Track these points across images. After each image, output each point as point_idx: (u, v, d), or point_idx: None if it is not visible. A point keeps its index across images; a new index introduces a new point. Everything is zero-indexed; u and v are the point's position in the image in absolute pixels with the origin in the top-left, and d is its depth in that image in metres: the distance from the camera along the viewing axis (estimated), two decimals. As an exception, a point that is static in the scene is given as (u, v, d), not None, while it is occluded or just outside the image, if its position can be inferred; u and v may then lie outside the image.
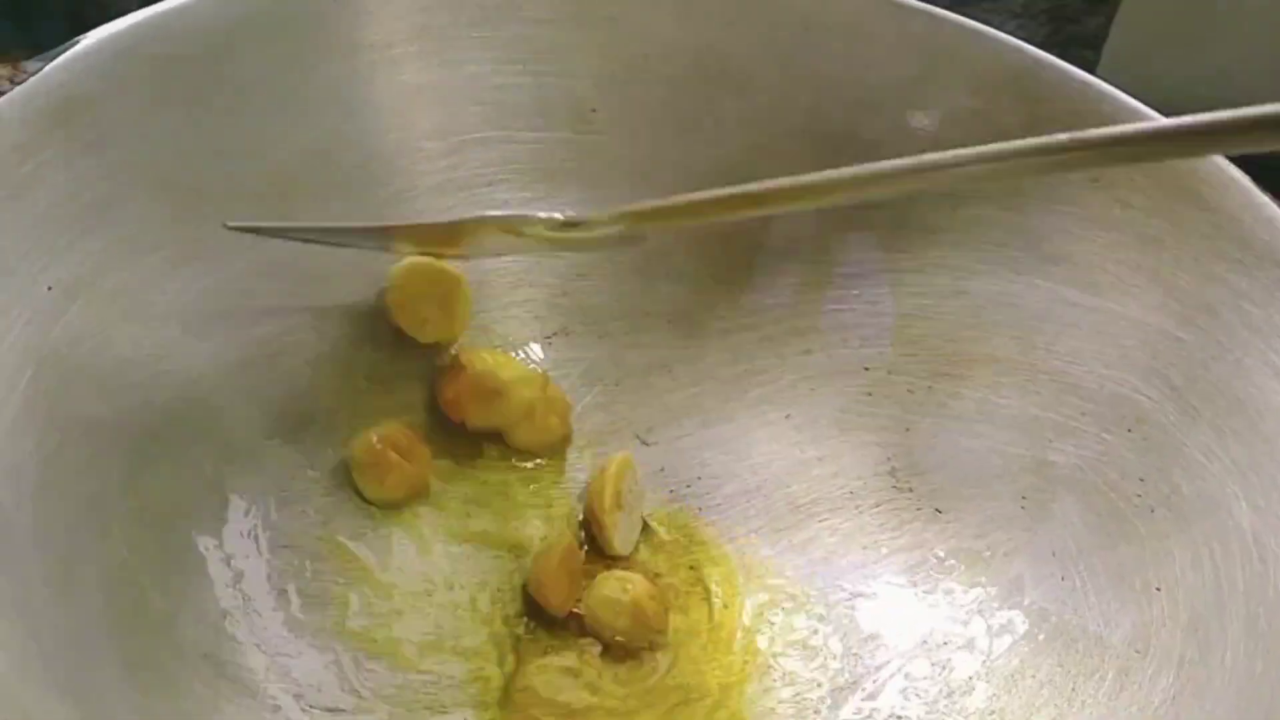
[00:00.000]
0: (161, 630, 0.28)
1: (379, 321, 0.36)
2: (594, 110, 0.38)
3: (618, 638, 0.33)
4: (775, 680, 0.33)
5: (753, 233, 0.38)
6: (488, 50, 0.37)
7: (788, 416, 0.38)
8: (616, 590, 0.33)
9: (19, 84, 0.29)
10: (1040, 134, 0.35)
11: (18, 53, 0.31)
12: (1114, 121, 0.35)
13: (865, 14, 0.37)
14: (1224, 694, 0.28)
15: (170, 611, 0.29)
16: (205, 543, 0.31)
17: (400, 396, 0.36)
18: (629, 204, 0.30)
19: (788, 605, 0.35)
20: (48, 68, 0.30)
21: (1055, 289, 0.35)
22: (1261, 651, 0.28)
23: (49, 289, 0.29)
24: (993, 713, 0.31)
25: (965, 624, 0.33)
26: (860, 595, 0.35)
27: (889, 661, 0.33)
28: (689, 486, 0.37)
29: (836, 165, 0.36)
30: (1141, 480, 0.33)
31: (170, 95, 0.32)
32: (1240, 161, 0.33)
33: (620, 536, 0.35)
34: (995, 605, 0.33)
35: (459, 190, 0.37)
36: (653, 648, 0.33)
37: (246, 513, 0.32)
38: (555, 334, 0.39)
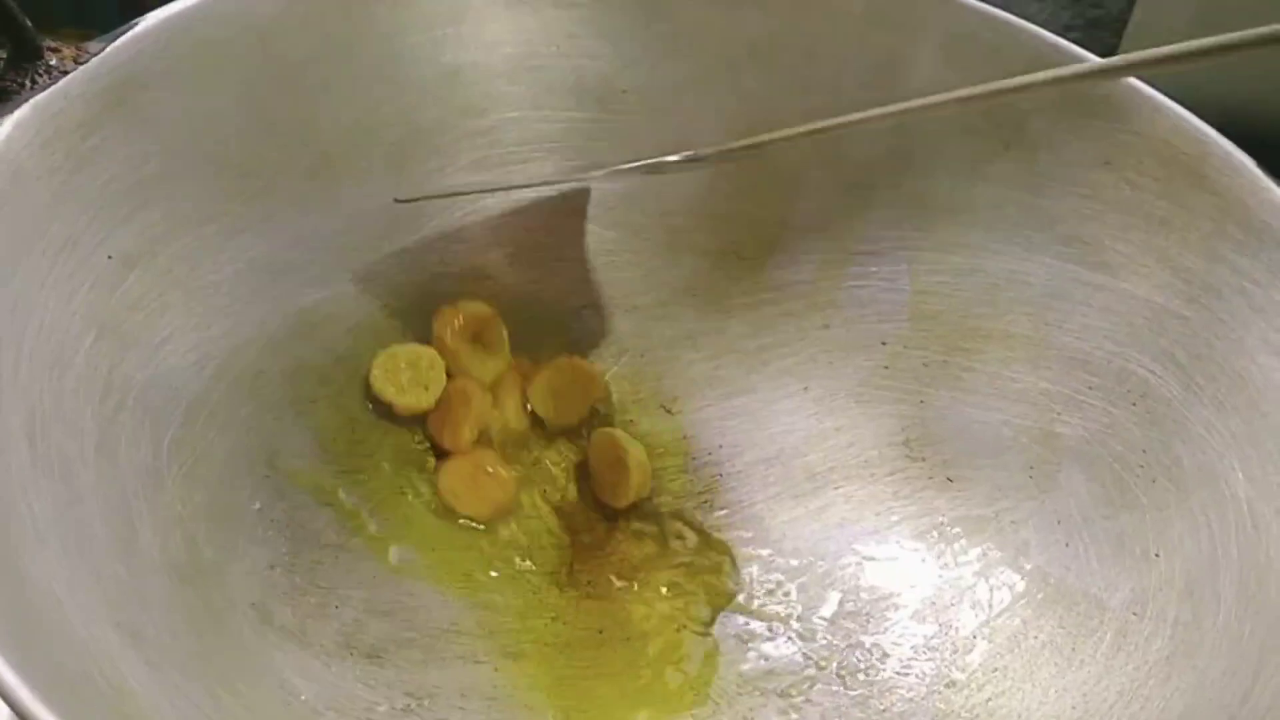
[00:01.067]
0: (213, 580, 0.30)
1: (421, 294, 0.37)
2: (624, 91, 0.39)
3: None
4: (788, 635, 0.35)
5: (775, 210, 0.40)
6: (523, 33, 0.39)
7: (806, 388, 0.39)
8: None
9: (82, 64, 0.31)
10: (1058, 119, 0.36)
11: (72, 31, 0.33)
12: (1131, 105, 0.36)
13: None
14: (1215, 654, 0.29)
15: (220, 562, 0.31)
16: (253, 499, 0.33)
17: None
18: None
19: (802, 567, 0.36)
20: (109, 49, 0.31)
21: (1067, 268, 0.37)
22: (1252, 614, 0.29)
23: (109, 258, 0.31)
24: (996, 670, 0.33)
25: (971, 586, 0.35)
26: (872, 558, 0.36)
27: (897, 621, 0.35)
28: (710, 454, 0.39)
29: (856, 142, 0.38)
30: (1144, 452, 0.34)
31: (221, 75, 0.34)
32: (1247, 146, 0.34)
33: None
34: (1000, 569, 0.35)
35: (495, 166, 0.38)
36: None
37: (292, 471, 0.34)
38: (585, 307, 0.40)
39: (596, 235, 0.40)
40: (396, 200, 0.35)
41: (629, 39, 0.39)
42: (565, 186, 0.39)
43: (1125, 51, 0.45)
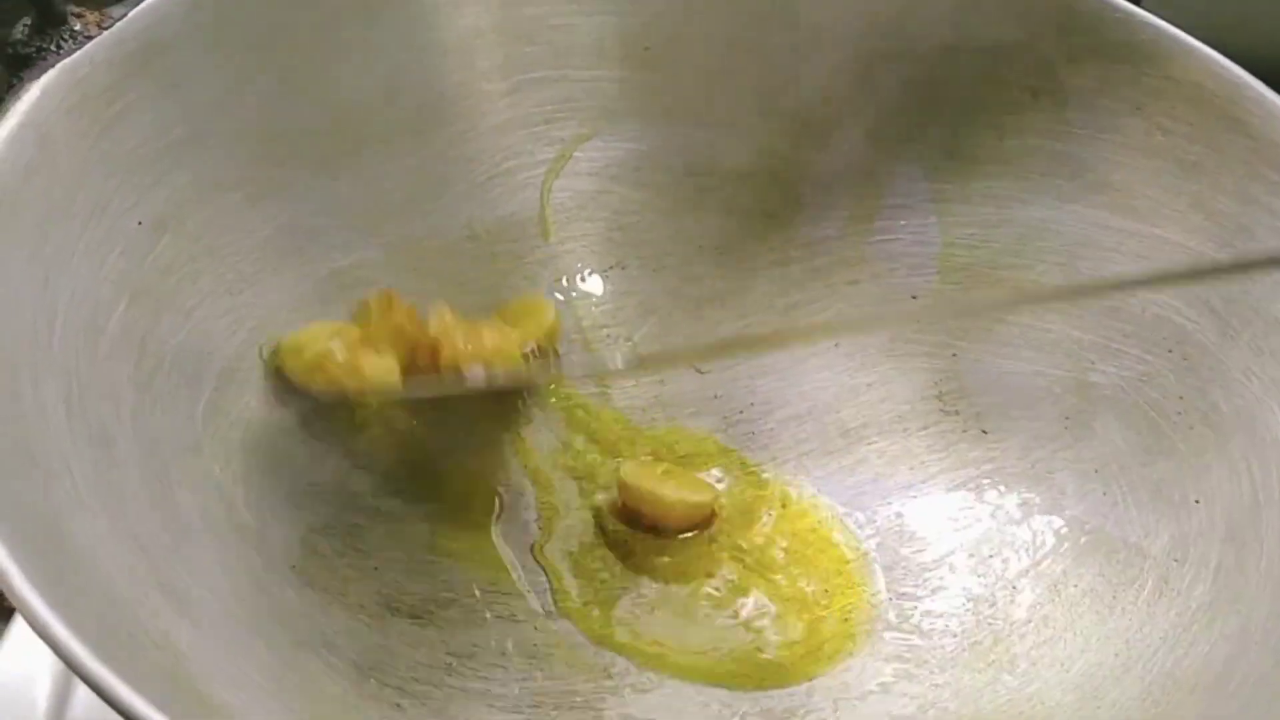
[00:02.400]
0: (251, 541, 0.30)
1: (447, 257, 0.37)
2: (647, 48, 0.39)
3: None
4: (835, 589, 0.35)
5: (802, 166, 0.39)
6: (543, -9, 0.38)
7: (837, 344, 0.39)
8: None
9: (106, 29, 0.31)
10: (1086, 65, 0.36)
11: (101, 1, 0.33)
12: (1162, 50, 0.35)
13: (910, -50, 0.38)
14: (1259, 599, 0.29)
15: (260, 526, 0.31)
16: (289, 463, 0.32)
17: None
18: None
19: (838, 523, 0.36)
20: (132, 13, 0.31)
21: (1098, 215, 0.36)
22: (1295, 557, 0.29)
23: (139, 224, 0.31)
24: (1036, 619, 0.33)
25: (1009, 538, 0.35)
26: (907, 512, 0.36)
27: (935, 573, 0.35)
28: (741, 413, 0.39)
29: (882, 95, 0.38)
30: (1181, 399, 0.34)
31: (244, 40, 0.34)
32: (1275, 84, 0.34)
33: None
34: (1038, 520, 0.35)
35: (519, 128, 0.38)
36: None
37: (325, 435, 0.34)
38: (612, 268, 0.40)
39: (623, 196, 0.40)
40: None
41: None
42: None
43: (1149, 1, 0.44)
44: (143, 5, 0.32)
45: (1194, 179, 0.35)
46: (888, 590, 0.35)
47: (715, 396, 0.39)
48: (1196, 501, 0.32)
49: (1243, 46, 0.35)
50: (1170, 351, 0.34)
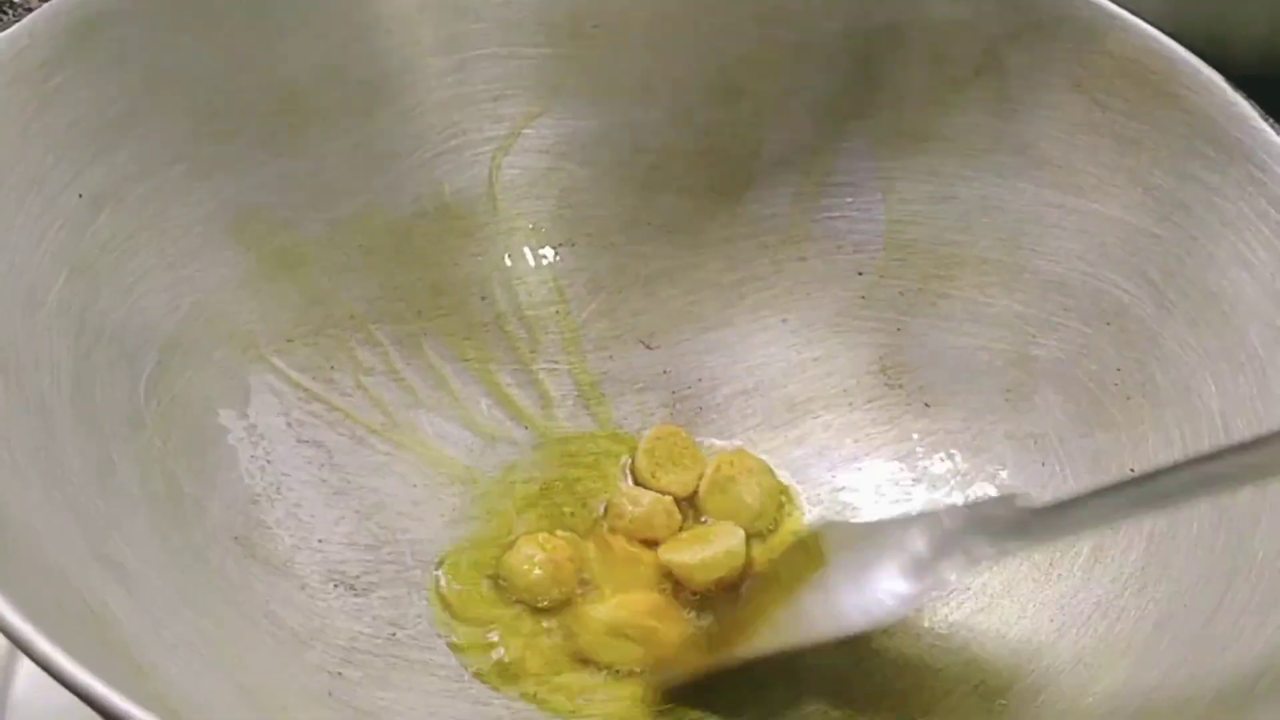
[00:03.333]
0: (193, 514, 0.30)
1: (394, 235, 0.37)
2: (595, 25, 0.39)
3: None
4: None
5: (749, 144, 0.40)
6: (490, -32, 0.38)
7: (784, 320, 0.39)
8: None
9: (45, 2, 0.31)
10: (1027, 43, 0.36)
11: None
12: (1100, 26, 0.36)
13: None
14: (1189, 564, 0.30)
15: (201, 497, 0.31)
16: (231, 435, 0.33)
17: (412, 304, 0.38)
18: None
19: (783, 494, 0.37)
20: (71, -13, 0.31)
21: (1039, 191, 0.37)
22: (1224, 524, 0.30)
23: (79, 197, 0.31)
24: (975, 587, 0.33)
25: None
26: (851, 484, 0.37)
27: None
28: (690, 388, 0.39)
29: (827, 74, 0.38)
30: (1119, 370, 0.34)
31: (186, 14, 0.34)
32: (1214, 63, 0.34)
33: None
34: (978, 489, 0.35)
35: (466, 105, 0.38)
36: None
37: (270, 409, 0.34)
38: (561, 245, 0.40)
39: (572, 173, 0.40)
40: None
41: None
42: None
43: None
44: (82, -22, 0.32)
45: (1132, 154, 0.35)
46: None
47: (664, 372, 0.39)
48: (1132, 470, 0.33)
49: (1189, 27, 0.36)
50: (1109, 324, 0.35)
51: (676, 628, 0.33)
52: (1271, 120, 0.33)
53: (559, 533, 0.34)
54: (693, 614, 0.34)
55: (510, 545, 0.34)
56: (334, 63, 0.36)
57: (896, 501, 0.36)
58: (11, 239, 0.29)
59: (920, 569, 0.29)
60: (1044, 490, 0.34)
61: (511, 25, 0.38)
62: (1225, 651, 0.27)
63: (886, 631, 0.33)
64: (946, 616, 0.33)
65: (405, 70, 0.38)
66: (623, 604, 0.33)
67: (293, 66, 0.36)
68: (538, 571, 0.33)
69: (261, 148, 0.35)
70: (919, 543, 0.29)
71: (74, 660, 0.21)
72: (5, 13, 0.31)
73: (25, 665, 0.33)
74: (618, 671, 0.32)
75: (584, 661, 0.32)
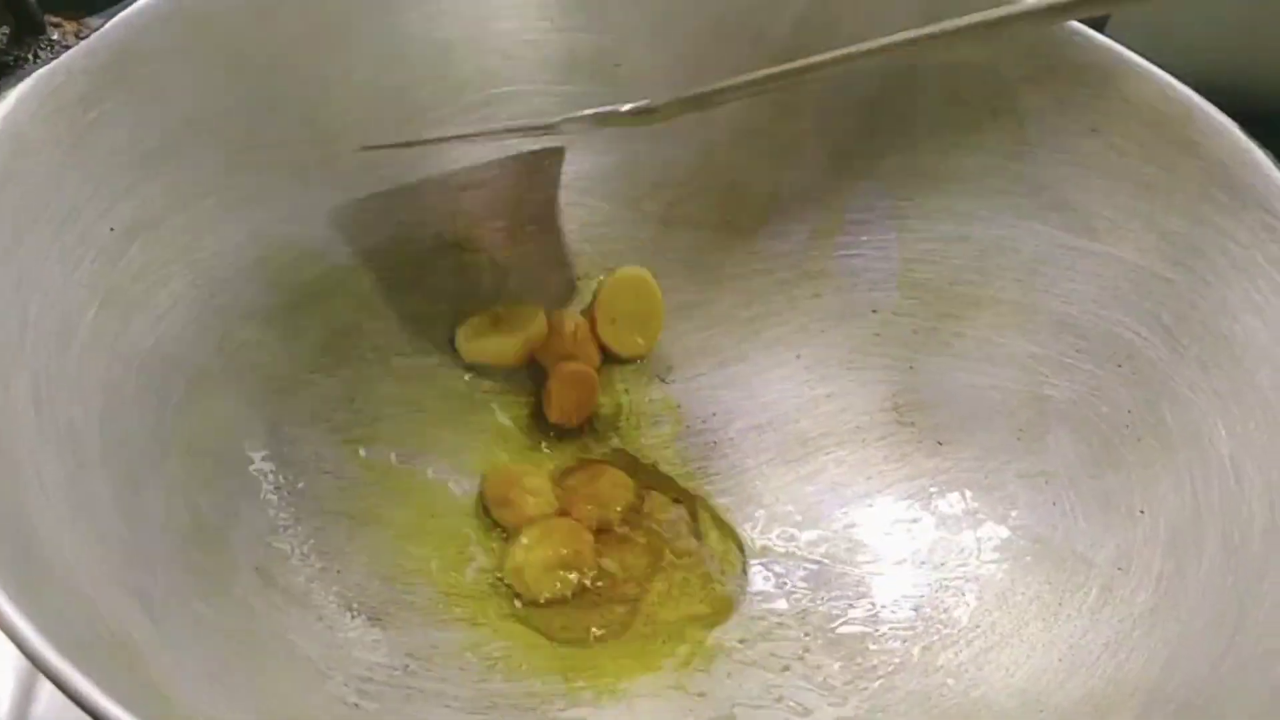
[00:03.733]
0: (216, 543, 0.31)
1: (418, 268, 0.38)
2: (618, 65, 0.40)
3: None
4: (781, 597, 0.35)
5: (766, 182, 0.40)
6: (517, 6, 0.39)
7: (798, 356, 0.40)
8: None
9: (83, 39, 0.32)
10: (1045, 86, 0.37)
11: (79, 11, 0.33)
12: (1117, 72, 0.36)
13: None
14: (1199, 605, 0.30)
15: (223, 527, 0.31)
16: (255, 466, 0.33)
17: (433, 337, 0.38)
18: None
19: (794, 529, 0.37)
20: (109, 23, 0.32)
21: (1054, 234, 0.37)
22: (1234, 566, 0.30)
23: (111, 230, 0.31)
24: (983, 625, 0.33)
25: (959, 546, 0.36)
26: (862, 520, 0.37)
27: (887, 579, 0.35)
28: (704, 422, 0.40)
29: (846, 113, 0.39)
30: (1130, 412, 0.35)
31: (219, 51, 0.34)
32: (1229, 110, 0.35)
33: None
34: (988, 528, 0.36)
35: (492, 139, 0.39)
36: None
37: (293, 441, 0.34)
38: (580, 278, 0.41)
39: (591, 208, 0.41)
40: (363, 148, 0.36)
41: (623, 13, 0.40)
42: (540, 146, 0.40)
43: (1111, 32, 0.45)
44: (119, 16, 0.32)
45: (1148, 199, 0.36)
46: (836, 599, 0.35)
47: (678, 405, 0.40)
48: (1142, 512, 0.33)
49: (1200, 72, 0.36)
50: (1120, 366, 0.35)
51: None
52: (1285, 166, 0.34)
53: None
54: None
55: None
56: (363, 99, 0.37)
57: (909, 539, 0.36)
58: (47, 270, 0.29)
59: None
60: (1054, 531, 0.34)
61: (537, 63, 0.39)
62: (1233, 694, 0.28)
63: (896, 668, 0.33)
64: (955, 655, 0.33)
65: (434, 105, 0.38)
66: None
67: (322, 102, 0.36)
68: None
69: (291, 181, 0.36)
70: None
71: (102, 690, 0.21)
72: (43, 49, 0.31)
73: (47, 687, 0.33)
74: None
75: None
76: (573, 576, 0.35)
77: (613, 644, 0.34)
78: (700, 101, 0.33)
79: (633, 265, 0.40)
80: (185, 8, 0.34)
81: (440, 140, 0.38)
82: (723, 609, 0.35)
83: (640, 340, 0.40)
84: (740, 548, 0.37)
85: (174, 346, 0.32)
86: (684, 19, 0.40)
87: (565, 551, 0.35)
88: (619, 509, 0.37)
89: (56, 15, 0.32)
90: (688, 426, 0.39)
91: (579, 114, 0.36)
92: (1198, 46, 0.43)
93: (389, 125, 0.38)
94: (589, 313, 0.40)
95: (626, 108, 0.34)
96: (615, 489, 0.37)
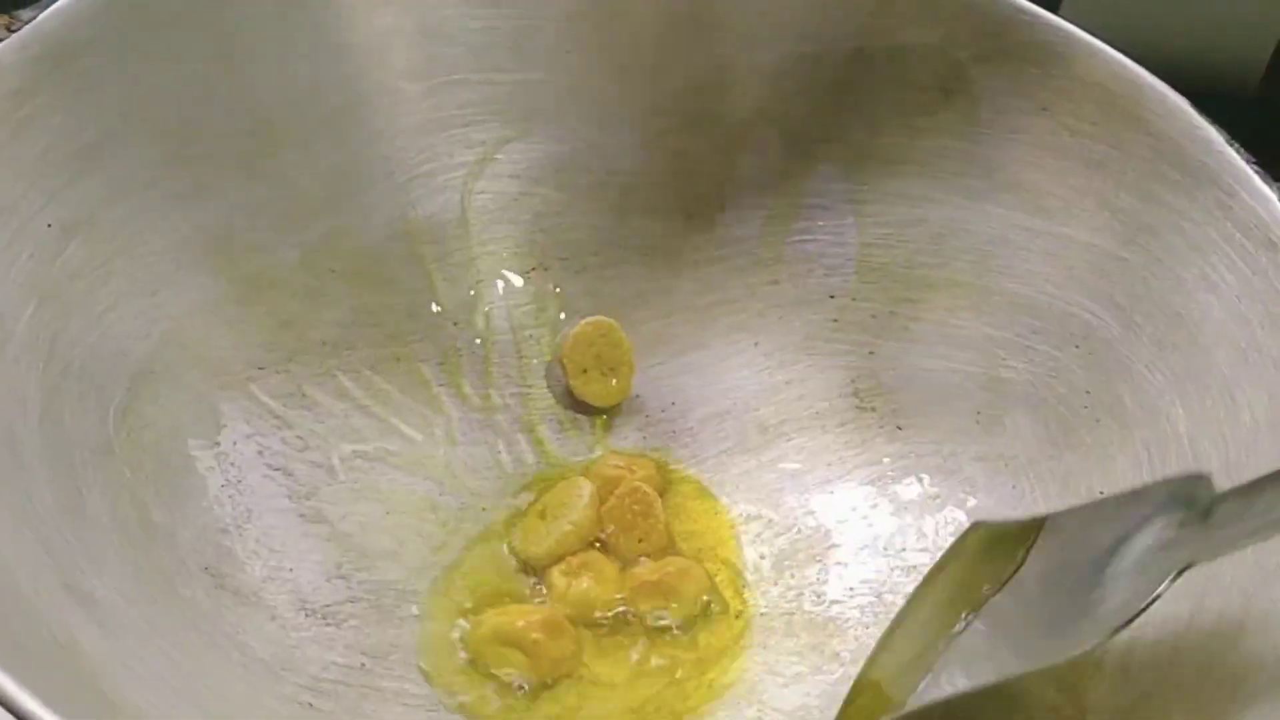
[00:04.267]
0: (164, 544, 0.30)
1: (366, 259, 0.37)
2: (568, 51, 0.39)
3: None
4: (742, 584, 0.35)
5: (721, 167, 0.40)
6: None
7: (757, 343, 0.40)
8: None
9: (14, 31, 0.31)
10: (996, 67, 0.37)
11: (10, 5, 0.33)
12: (1068, 51, 0.36)
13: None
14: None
15: (171, 526, 0.31)
16: (202, 464, 0.33)
17: (387, 328, 0.38)
18: None
19: (756, 517, 0.37)
20: (41, 16, 0.31)
21: (1008, 214, 0.37)
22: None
23: (49, 226, 0.31)
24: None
25: (920, 530, 0.35)
26: (823, 507, 0.37)
27: (849, 565, 0.35)
28: (663, 411, 0.39)
29: (799, 97, 0.38)
30: (1088, 393, 0.35)
31: (157, 42, 0.34)
32: (1181, 89, 0.34)
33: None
34: (948, 511, 0.35)
35: (439, 130, 0.38)
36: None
37: (241, 437, 0.34)
38: (534, 269, 0.40)
39: (545, 197, 0.40)
40: None
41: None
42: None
43: (1066, 7, 0.45)
44: (52, 8, 0.32)
45: (1100, 177, 0.35)
46: (798, 586, 0.35)
47: (636, 396, 0.39)
48: (1101, 492, 0.33)
49: (1152, 50, 0.36)
50: (1077, 347, 0.35)
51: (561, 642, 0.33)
52: (1237, 145, 0.33)
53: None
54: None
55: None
56: (305, 87, 0.36)
57: (870, 525, 0.36)
58: (-20, 268, 0.29)
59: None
60: (1014, 513, 0.34)
61: (484, 50, 0.39)
62: (1191, 676, 0.27)
63: (857, 656, 0.33)
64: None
65: (377, 94, 0.38)
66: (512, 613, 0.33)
67: (263, 91, 0.36)
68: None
69: (233, 172, 0.35)
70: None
71: (45, 701, 0.21)
72: (-27, 43, 0.30)
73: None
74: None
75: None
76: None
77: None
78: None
79: (595, 311, 0.40)
80: (120, -1, 0.33)
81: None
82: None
83: (615, 386, 0.39)
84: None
85: (116, 344, 0.32)
86: (631, 3, 0.39)
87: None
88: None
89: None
90: (647, 416, 0.39)
91: None
92: (1149, 24, 0.43)
93: (332, 116, 0.37)
94: (557, 359, 0.39)
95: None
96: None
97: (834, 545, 0.36)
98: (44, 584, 0.26)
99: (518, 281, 0.40)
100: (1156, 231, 0.34)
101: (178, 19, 0.34)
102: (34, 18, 0.32)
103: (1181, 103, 0.34)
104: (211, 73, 0.35)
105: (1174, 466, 0.32)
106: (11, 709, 0.21)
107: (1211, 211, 0.33)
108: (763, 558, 0.36)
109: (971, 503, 0.35)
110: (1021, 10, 0.36)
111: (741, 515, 0.37)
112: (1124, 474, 0.33)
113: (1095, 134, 0.35)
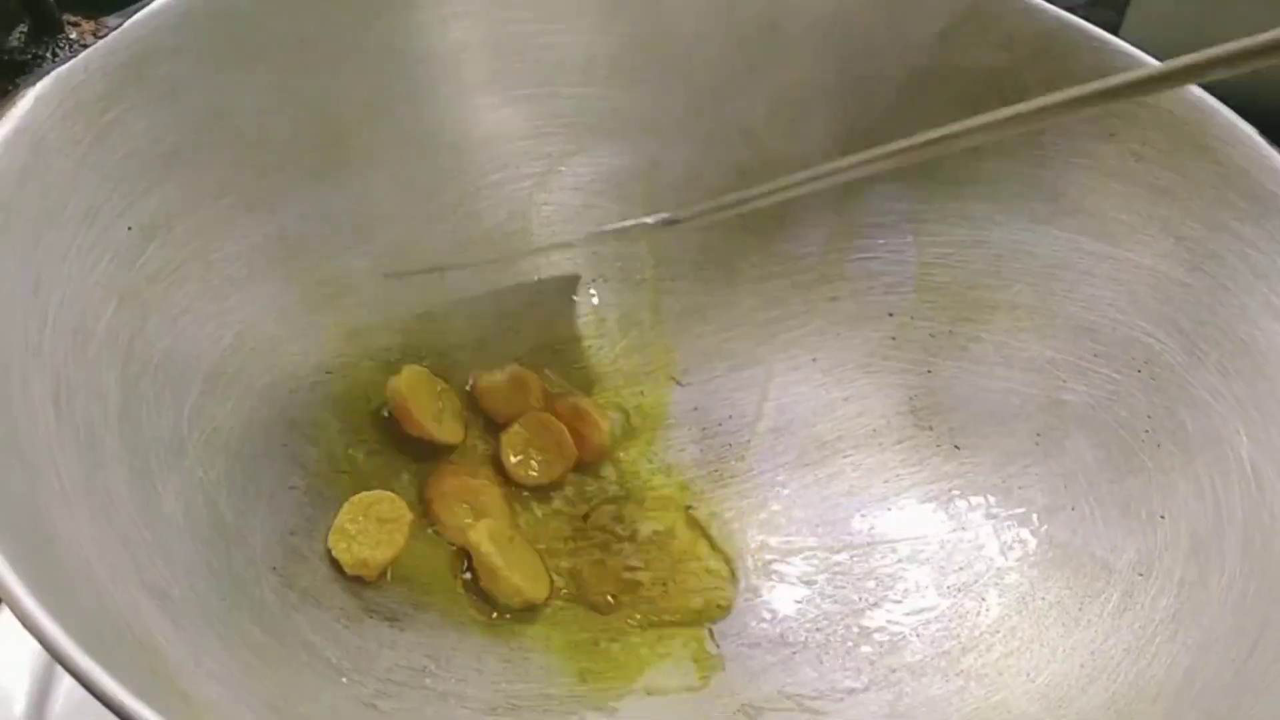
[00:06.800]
0: (235, 543, 0.31)
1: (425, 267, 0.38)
2: (632, 70, 0.40)
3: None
4: (798, 600, 0.35)
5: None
6: (531, 9, 0.39)
7: (815, 359, 0.40)
8: None
9: (101, 38, 0.31)
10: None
11: (97, 10, 0.33)
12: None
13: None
14: (1221, 613, 0.30)
15: (242, 527, 0.31)
16: (271, 466, 0.33)
17: (450, 337, 0.38)
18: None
19: (811, 532, 0.37)
20: (127, 23, 0.32)
21: (1071, 238, 0.37)
22: (1257, 573, 0.30)
23: (129, 229, 0.31)
24: (1004, 630, 0.33)
25: (979, 551, 0.35)
26: (880, 524, 0.37)
27: (906, 585, 0.35)
28: (720, 425, 0.39)
29: (862, 120, 0.39)
30: (1149, 417, 0.35)
31: (235, 50, 0.34)
32: (1248, 115, 0.34)
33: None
34: (1007, 533, 0.35)
35: (507, 141, 0.39)
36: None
37: (311, 441, 0.34)
38: (595, 280, 0.41)
39: (606, 210, 0.40)
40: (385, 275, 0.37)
41: (638, 17, 0.40)
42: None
43: (1127, 30, 0.45)
44: (138, 15, 0.32)
45: (1165, 204, 0.36)
46: (854, 604, 0.35)
47: (694, 409, 0.39)
48: (1162, 517, 0.33)
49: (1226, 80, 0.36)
50: (1139, 371, 0.35)
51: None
52: (1305, 174, 0.33)
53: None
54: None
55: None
56: (378, 100, 0.37)
57: (927, 544, 0.36)
58: (65, 269, 0.29)
59: None
60: (1074, 536, 0.34)
61: (552, 66, 0.39)
62: (1257, 700, 0.27)
63: (915, 673, 0.33)
64: (976, 660, 0.33)
65: (449, 107, 0.38)
66: None
67: (338, 101, 0.36)
68: None
69: (306, 180, 0.36)
70: None
71: (127, 689, 0.21)
72: (61, 48, 0.31)
73: (65, 683, 0.33)
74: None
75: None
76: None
77: (626, 645, 0.34)
78: (721, 209, 0.34)
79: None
80: (201, 6, 0.33)
81: (466, 265, 0.38)
82: (737, 612, 0.35)
83: (556, 469, 0.38)
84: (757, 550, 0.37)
85: (190, 346, 0.32)
86: (695, 21, 0.39)
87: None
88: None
89: (75, 14, 0.32)
90: (703, 429, 0.39)
91: (604, 229, 0.37)
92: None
93: (403, 127, 0.38)
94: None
95: (651, 220, 0.35)
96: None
97: (893, 563, 0.36)
98: (122, 580, 0.26)
99: (579, 293, 0.40)
100: (1222, 258, 0.34)
101: (257, 28, 0.34)
102: (120, 24, 0.32)
103: (1249, 130, 0.34)
104: (288, 82, 0.35)
105: (1237, 493, 0.32)
106: (107, 703, 0.21)
107: (1277, 239, 0.33)
108: (819, 573, 0.36)
109: (1032, 522, 0.35)
110: (1089, 36, 0.37)
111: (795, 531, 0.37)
112: (1186, 500, 0.33)
113: (1162, 160, 0.35)
